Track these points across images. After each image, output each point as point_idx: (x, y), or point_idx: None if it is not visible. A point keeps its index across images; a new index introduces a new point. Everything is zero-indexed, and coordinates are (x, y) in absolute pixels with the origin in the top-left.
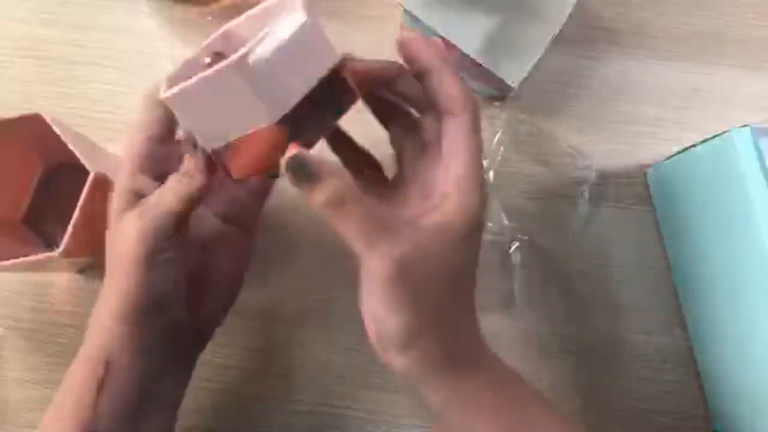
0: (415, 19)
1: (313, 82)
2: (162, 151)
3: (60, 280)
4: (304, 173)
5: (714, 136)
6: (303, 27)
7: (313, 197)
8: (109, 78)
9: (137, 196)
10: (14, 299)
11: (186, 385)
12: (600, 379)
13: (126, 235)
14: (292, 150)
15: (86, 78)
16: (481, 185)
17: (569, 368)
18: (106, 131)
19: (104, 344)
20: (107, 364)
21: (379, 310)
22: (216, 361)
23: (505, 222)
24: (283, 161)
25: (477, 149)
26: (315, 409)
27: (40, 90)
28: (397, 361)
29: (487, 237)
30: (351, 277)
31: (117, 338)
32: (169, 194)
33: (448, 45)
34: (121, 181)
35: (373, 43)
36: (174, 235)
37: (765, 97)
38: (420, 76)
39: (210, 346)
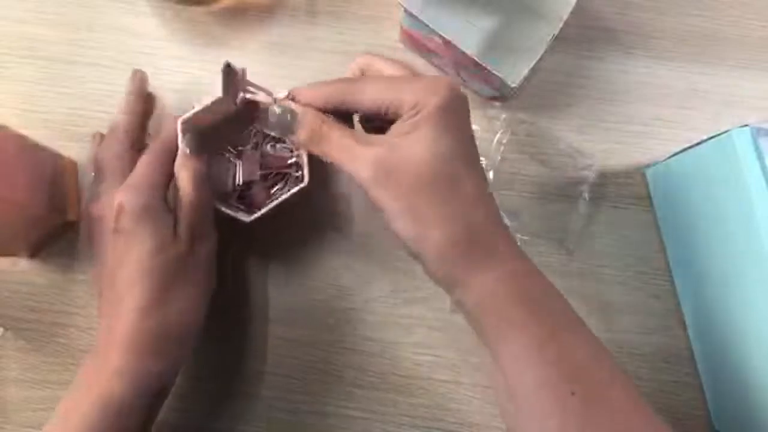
0: (415, 19)
1: None
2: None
3: (60, 281)
4: (286, 128)
5: (714, 136)
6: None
7: (297, 140)
8: (109, 78)
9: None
10: (14, 299)
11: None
12: None
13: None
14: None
15: (86, 78)
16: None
17: None
18: (106, 131)
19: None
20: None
21: (386, 219)
22: (215, 361)
23: (506, 222)
24: (271, 116)
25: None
26: (314, 409)
27: (40, 90)
28: (420, 262)
29: None
30: (351, 277)
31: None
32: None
33: (448, 45)
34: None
35: (373, 43)
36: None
37: (765, 97)
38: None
39: (209, 346)
